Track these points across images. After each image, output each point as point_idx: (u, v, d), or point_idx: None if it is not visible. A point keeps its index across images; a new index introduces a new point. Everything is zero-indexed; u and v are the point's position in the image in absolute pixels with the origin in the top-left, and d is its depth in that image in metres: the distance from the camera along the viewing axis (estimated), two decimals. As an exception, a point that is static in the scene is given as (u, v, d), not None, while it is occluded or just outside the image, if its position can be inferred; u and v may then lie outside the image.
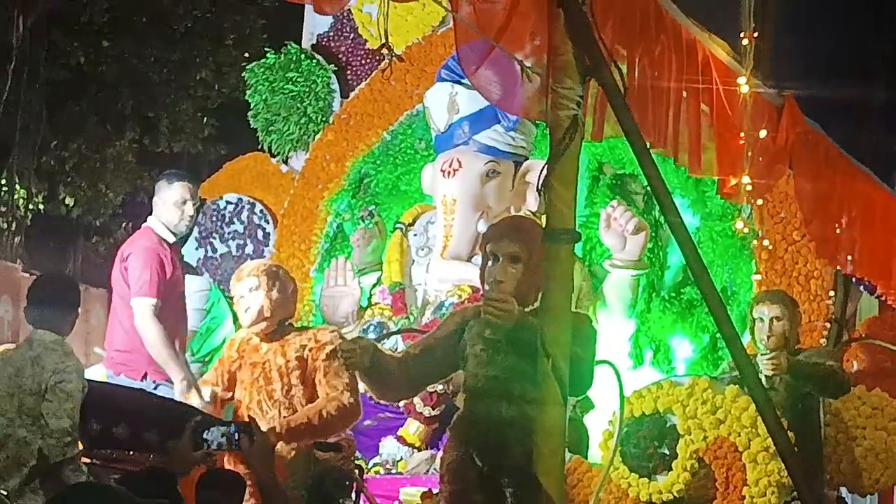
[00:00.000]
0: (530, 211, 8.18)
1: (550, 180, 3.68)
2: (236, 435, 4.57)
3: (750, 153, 6.90)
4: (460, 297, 8.12)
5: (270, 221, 9.57)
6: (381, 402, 5.97)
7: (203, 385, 6.92)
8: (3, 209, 15.39)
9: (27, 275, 12.62)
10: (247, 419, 6.25)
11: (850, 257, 7.68)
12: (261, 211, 9.64)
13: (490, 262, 5.50)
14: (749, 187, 7.05)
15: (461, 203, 8.31)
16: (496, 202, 8.36)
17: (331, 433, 6.45)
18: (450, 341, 5.63)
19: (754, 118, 7.00)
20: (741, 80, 7.00)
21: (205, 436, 4.59)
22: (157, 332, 7.28)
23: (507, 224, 5.67)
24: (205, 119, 16.50)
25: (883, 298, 8.35)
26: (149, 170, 16.14)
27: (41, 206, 15.95)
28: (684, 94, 6.43)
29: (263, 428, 5.49)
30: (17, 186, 15.24)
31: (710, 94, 6.77)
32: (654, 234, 8.15)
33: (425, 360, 5.64)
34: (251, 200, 9.69)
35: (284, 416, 6.38)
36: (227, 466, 6.38)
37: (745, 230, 7.74)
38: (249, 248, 9.51)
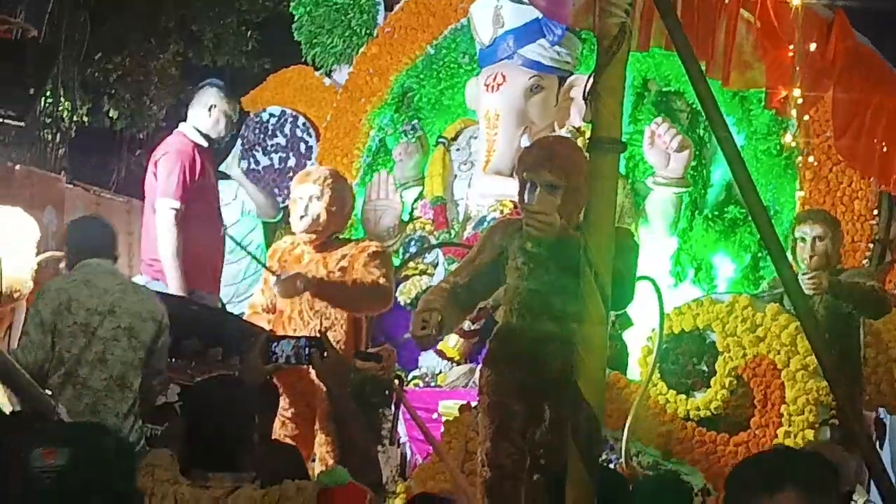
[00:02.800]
0: (574, 127, 8.14)
1: (597, 89, 3.65)
2: (306, 349, 4.57)
3: (798, 67, 6.82)
4: (502, 211, 8.10)
5: (313, 135, 9.55)
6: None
7: (250, 309, 6.93)
8: (48, 121, 15.41)
9: (71, 186, 12.69)
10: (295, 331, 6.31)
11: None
12: (304, 124, 9.62)
13: (528, 189, 5.45)
14: (800, 100, 6.98)
15: (504, 118, 8.28)
16: (540, 117, 8.33)
17: (360, 306, 6.51)
18: (494, 262, 5.62)
19: (804, 31, 6.92)
20: (792, -8, 6.91)
21: (274, 349, 4.61)
22: (172, 240, 7.34)
23: (545, 151, 5.53)
24: (249, 32, 16.42)
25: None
26: (192, 83, 16.12)
27: (85, 119, 15.96)
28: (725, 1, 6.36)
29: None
30: (62, 98, 15.26)
31: (759, 6, 6.69)
32: (697, 152, 8.10)
33: (474, 286, 5.63)
34: (294, 113, 9.67)
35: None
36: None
37: (793, 144, 7.67)
38: (292, 161, 9.51)
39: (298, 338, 4.79)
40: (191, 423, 3.94)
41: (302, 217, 6.61)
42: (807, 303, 3.82)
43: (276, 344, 4.61)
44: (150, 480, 3.82)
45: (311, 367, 4.71)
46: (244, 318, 6.84)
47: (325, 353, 4.40)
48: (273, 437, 5.94)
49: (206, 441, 3.86)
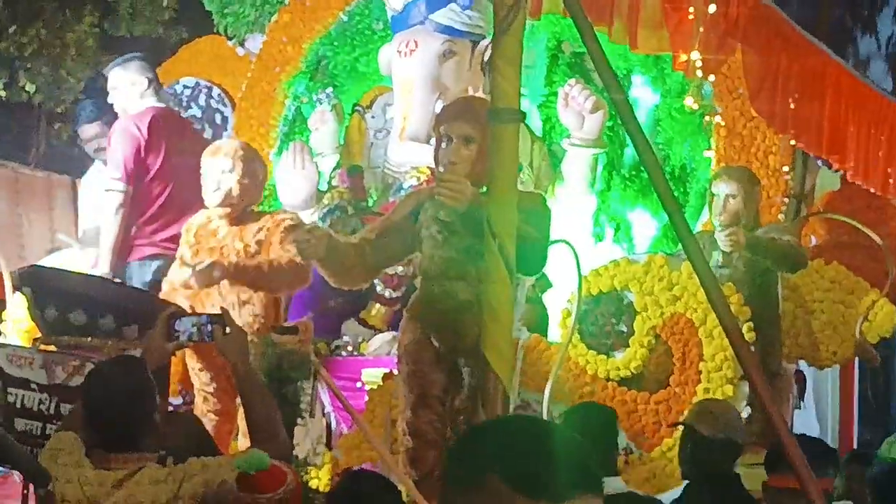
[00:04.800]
0: (489, 91, 8.13)
1: (495, 59, 3.65)
2: (208, 325, 4.55)
3: (701, 28, 6.85)
4: (419, 178, 8.08)
5: (228, 105, 9.47)
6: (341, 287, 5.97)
7: (168, 286, 6.88)
8: (-37, 96, 15.21)
9: (-11, 162, 12.54)
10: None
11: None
12: (218, 94, 9.54)
13: (444, 144, 5.50)
14: (699, 63, 7.02)
15: (418, 84, 8.24)
16: (454, 82, 8.28)
17: (279, 286, 6.51)
18: (405, 224, 5.65)
19: (703, -7, 6.96)
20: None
21: (176, 326, 4.57)
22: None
23: (461, 105, 5.68)
24: (165, 2, 16.26)
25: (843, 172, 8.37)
26: (109, 54, 15.93)
27: (1, 93, 15.74)
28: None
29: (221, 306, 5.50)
30: (-24, 73, 15.05)
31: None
32: (612, 113, 8.11)
33: (381, 244, 5.66)
34: (208, 84, 9.59)
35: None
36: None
37: (696, 107, 7.72)
38: (208, 133, 9.42)
39: (200, 314, 4.77)
40: (91, 406, 3.93)
41: (215, 191, 6.57)
42: (705, 261, 3.84)
43: (177, 321, 4.57)
44: (54, 465, 3.81)
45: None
46: (160, 295, 6.79)
47: (227, 329, 4.38)
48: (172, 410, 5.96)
49: (107, 423, 3.86)
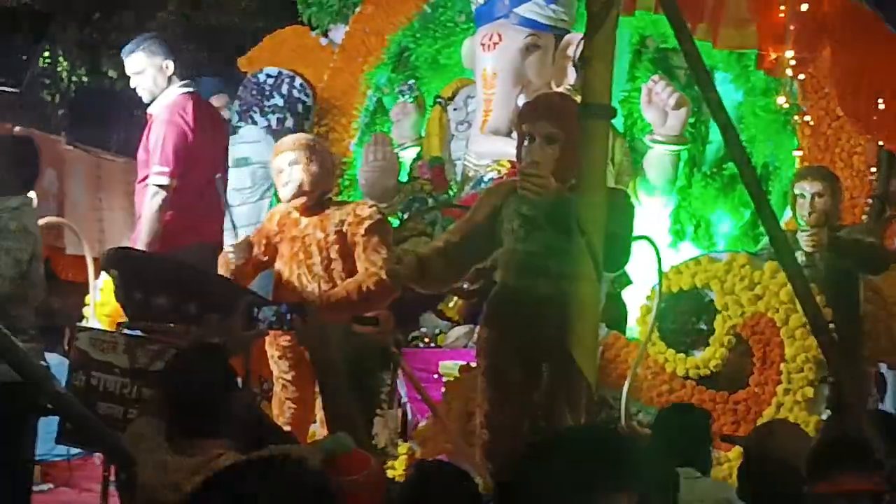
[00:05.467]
0: (570, 86, 8.10)
1: (587, 55, 3.64)
2: (288, 315, 4.59)
3: (792, 27, 6.78)
4: (499, 171, 8.08)
5: (310, 95, 9.50)
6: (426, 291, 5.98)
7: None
8: (48, 82, 15.40)
9: (71, 147, 12.67)
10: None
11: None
12: (300, 84, 9.55)
13: (526, 142, 5.49)
14: (793, 62, 6.94)
15: (501, 77, 8.24)
16: (536, 76, 8.27)
17: (369, 308, 6.47)
18: (488, 223, 5.66)
19: (796, -9, 6.88)
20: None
21: (256, 315, 4.61)
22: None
23: (543, 103, 5.64)
24: (246, -9, 16.41)
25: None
26: (191, 43, 16.08)
27: (84, 79, 15.94)
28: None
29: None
30: (61, 59, 15.24)
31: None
32: (696, 110, 8.05)
33: (466, 246, 5.68)
34: (291, 74, 9.60)
35: (324, 290, 6.41)
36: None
37: (787, 105, 7.64)
38: (290, 122, 9.44)
39: (280, 303, 4.80)
40: (172, 391, 3.97)
41: (286, 184, 6.62)
42: (796, 260, 3.80)
43: (257, 310, 4.61)
44: (135, 449, 3.85)
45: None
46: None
47: (307, 318, 4.41)
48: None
49: (187, 409, 3.89)
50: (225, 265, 6.72)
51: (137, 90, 7.97)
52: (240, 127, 8.67)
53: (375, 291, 6.34)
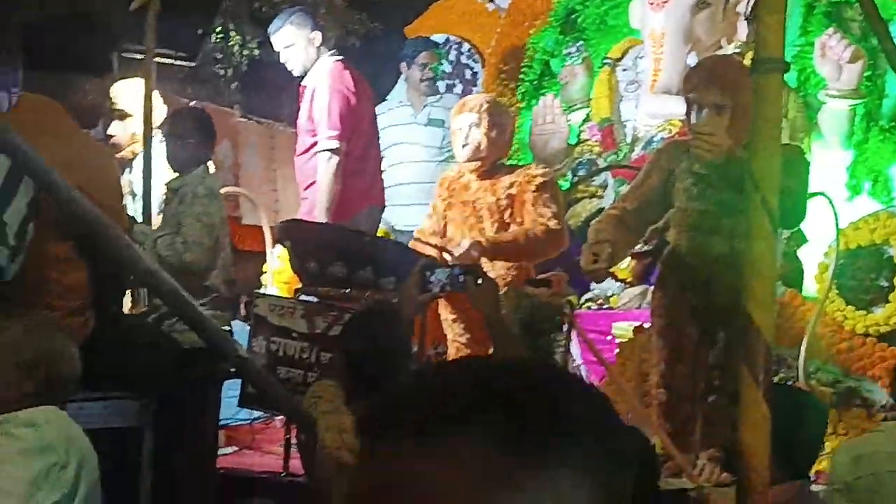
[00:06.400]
0: (742, 41, 7.98)
1: (759, 8, 3.58)
2: (461, 277, 4.63)
3: None
4: (670, 131, 8.01)
5: (479, 60, 9.55)
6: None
7: (418, 235, 6.98)
8: (220, 56, 15.68)
9: (244, 120, 12.92)
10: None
11: None
12: (468, 50, 9.62)
13: (694, 111, 5.42)
14: None
15: (670, 36, 8.15)
16: (706, 34, 8.16)
17: (536, 256, 6.51)
18: (662, 185, 5.61)
19: None
20: None
21: (429, 278, 4.67)
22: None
23: (708, 70, 5.54)
24: (412, -41, 16.47)
25: None
26: (359, 14, 16.22)
27: (256, 52, 16.17)
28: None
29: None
30: (232, 33, 15.49)
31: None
32: (871, 63, 7.85)
33: (642, 210, 5.64)
34: (458, 40, 9.68)
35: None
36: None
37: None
38: (458, 88, 9.53)
39: (452, 266, 4.84)
40: (350, 355, 4.03)
41: (464, 146, 6.63)
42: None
43: (430, 273, 4.66)
44: (314, 412, 3.92)
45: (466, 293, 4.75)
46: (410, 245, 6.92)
47: (479, 280, 4.44)
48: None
49: (365, 370, 3.95)
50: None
51: (287, 64, 8.03)
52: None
53: (542, 239, 6.36)
